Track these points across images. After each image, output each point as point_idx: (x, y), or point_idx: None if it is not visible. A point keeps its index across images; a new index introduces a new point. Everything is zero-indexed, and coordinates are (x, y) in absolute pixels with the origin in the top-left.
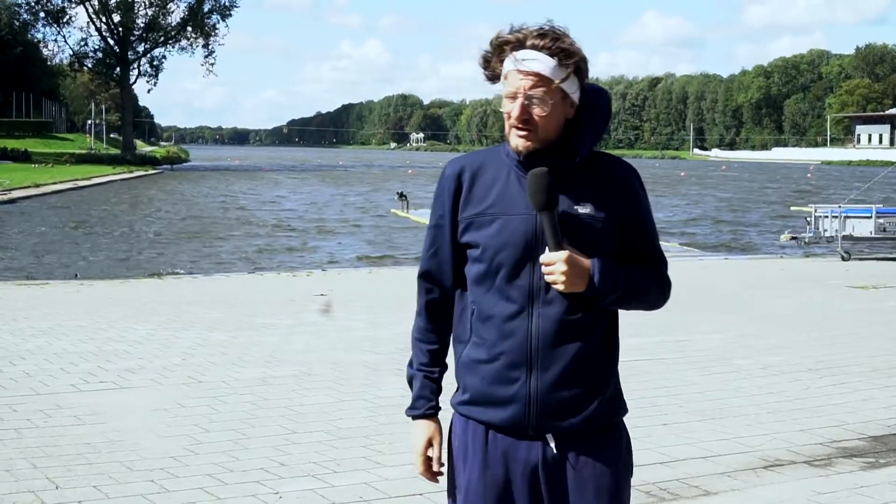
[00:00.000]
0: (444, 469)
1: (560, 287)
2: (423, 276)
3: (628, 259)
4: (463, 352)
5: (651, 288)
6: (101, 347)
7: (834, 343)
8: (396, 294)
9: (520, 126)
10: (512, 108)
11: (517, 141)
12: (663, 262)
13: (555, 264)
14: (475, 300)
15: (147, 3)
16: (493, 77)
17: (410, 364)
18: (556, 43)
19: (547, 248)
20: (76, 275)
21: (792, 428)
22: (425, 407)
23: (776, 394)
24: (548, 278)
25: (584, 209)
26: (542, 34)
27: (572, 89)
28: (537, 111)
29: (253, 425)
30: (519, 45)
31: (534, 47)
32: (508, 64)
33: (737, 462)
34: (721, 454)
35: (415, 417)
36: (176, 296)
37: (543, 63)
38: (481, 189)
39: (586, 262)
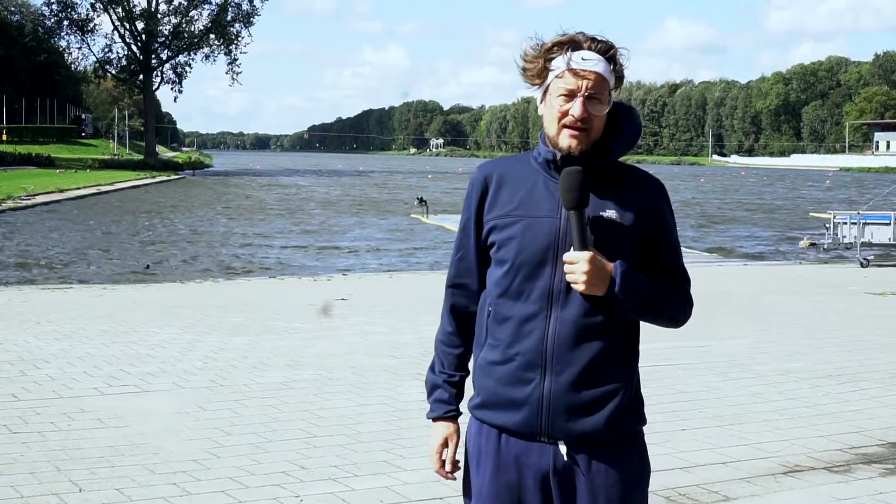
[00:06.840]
0: (460, 470)
1: (580, 287)
2: (450, 279)
3: (650, 272)
4: (479, 355)
5: (672, 302)
6: (123, 351)
7: (853, 349)
8: (416, 298)
9: (577, 125)
10: (570, 107)
11: (569, 141)
12: (686, 280)
13: (577, 263)
14: (493, 302)
15: (171, 10)
16: (536, 76)
17: (431, 367)
18: (609, 49)
19: (572, 247)
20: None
21: (811, 434)
22: (442, 410)
23: (795, 400)
24: (568, 277)
25: (610, 214)
26: (597, 39)
27: (614, 95)
28: (595, 111)
29: (274, 429)
30: (575, 46)
31: (591, 49)
32: (562, 63)
33: (756, 468)
34: (740, 460)
35: (433, 419)
36: (198, 300)
37: (603, 65)
38: (507, 193)
39: (609, 265)
